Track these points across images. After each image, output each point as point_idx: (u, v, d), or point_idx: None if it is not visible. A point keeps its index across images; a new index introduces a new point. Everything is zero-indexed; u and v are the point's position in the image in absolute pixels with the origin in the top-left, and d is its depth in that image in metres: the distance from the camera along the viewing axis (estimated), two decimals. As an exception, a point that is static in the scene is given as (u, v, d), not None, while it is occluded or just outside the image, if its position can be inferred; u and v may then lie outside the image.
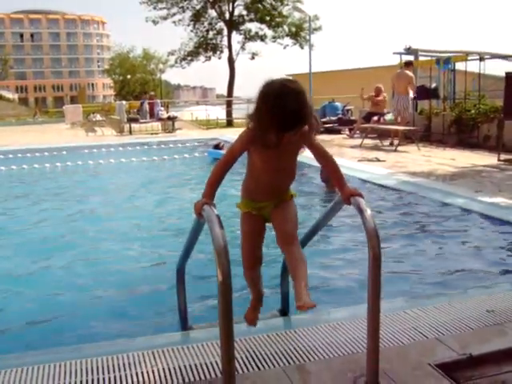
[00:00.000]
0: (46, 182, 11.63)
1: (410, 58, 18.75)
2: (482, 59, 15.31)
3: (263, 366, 3.00)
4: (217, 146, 13.68)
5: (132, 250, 6.26)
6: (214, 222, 2.45)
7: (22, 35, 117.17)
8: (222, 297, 2.34)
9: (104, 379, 2.92)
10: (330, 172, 2.97)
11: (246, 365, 3.00)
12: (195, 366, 3.02)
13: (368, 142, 15.63)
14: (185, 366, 3.02)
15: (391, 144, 15.13)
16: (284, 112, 2.60)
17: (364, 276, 2.74)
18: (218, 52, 32.66)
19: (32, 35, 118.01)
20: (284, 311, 3.86)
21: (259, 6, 30.57)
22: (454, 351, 3.10)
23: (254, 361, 3.05)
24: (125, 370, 3.01)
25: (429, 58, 18.20)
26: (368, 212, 2.62)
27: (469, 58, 15.88)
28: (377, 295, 2.60)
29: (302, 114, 2.65)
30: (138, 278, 5.28)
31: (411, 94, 15.47)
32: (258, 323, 3.71)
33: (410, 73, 15.55)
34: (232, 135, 18.41)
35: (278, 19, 30.94)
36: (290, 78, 2.92)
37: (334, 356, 3.09)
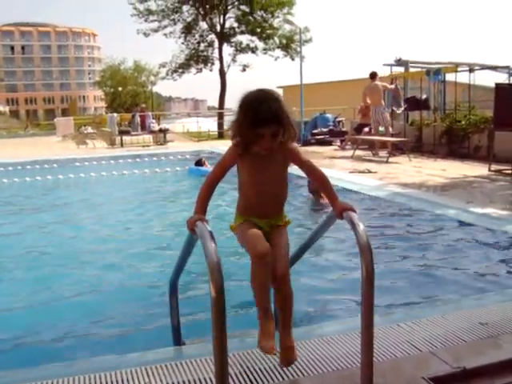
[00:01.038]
0: (37, 195, 11.57)
1: (401, 69, 18.90)
2: (471, 70, 15.41)
3: (257, 381, 2.98)
4: (198, 162, 13.54)
5: (124, 264, 6.24)
6: (206, 238, 2.45)
7: (12, 47, 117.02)
8: (215, 313, 2.32)
9: (97, 396, 2.90)
10: (322, 188, 2.98)
11: (239, 380, 2.99)
12: (188, 382, 3.00)
13: (359, 153, 15.67)
14: (178, 383, 2.99)
15: (374, 154, 15.27)
16: (257, 109, 2.74)
17: (357, 289, 2.74)
18: (210, 64, 32.83)
19: (23, 47, 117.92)
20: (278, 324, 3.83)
21: (250, 18, 30.76)
22: (447, 364, 3.10)
23: (247, 376, 3.03)
24: (118, 386, 2.99)
25: (419, 70, 18.32)
26: (361, 227, 2.61)
27: (459, 69, 15.99)
28: (370, 309, 2.60)
29: (274, 112, 2.75)
30: (130, 292, 5.25)
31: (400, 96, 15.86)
32: (252, 338, 3.70)
33: (380, 83, 16.02)
34: (223, 147, 18.42)
35: (268, 31, 31.12)
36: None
37: (328, 371, 3.08)
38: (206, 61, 32.73)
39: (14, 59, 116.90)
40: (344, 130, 20.24)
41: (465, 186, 9.85)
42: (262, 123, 2.74)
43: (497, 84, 12.68)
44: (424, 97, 16.50)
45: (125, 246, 7.08)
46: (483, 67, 16.77)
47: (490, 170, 11.56)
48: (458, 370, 3.03)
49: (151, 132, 23.63)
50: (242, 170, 2.94)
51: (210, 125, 31.83)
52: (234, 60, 32.30)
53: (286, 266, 2.92)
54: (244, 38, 31.89)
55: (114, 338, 4.18)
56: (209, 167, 12.78)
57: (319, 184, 2.99)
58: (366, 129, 16.91)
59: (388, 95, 18.20)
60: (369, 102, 16.20)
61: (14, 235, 7.85)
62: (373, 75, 16.07)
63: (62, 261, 6.40)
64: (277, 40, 31.51)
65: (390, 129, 16.40)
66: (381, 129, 16.54)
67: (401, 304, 4.68)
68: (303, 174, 3.08)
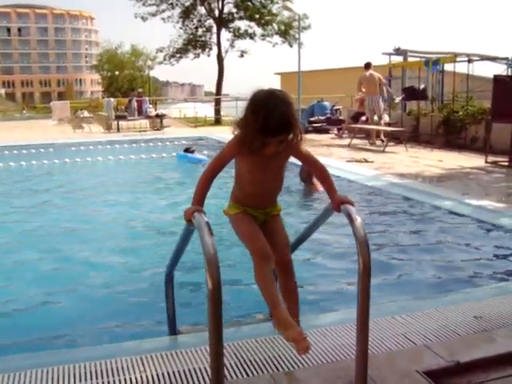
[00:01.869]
0: (33, 180, 11.54)
1: (399, 58, 18.85)
2: (470, 61, 15.39)
3: (252, 372, 3.00)
4: (187, 150, 13.65)
5: (119, 252, 6.22)
6: (204, 230, 2.44)
7: (9, 29, 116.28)
8: (211, 304, 2.32)
9: (92, 385, 2.91)
10: (321, 180, 2.97)
11: (234, 371, 3.00)
12: (184, 371, 3.01)
13: (356, 141, 15.67)
14: (173, 372, 3.00)
15: (371, 143, 15.31)
16: (268, 116, 2.65)
17: (353, 280, 2.74)
18: (207, 49, 32.57)
19: (19, 29, 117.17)
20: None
21: (249, 3, 30.53)
22: (441, 358, 3.11)
23: (242, 367, 3.04)
24: (113, 375, 2.99)
25: (418, 59, 18.28)
26: (358, 220, 2.61)
27: (457, 59, 15.96)
28: (366, 302, 2.60)
29: (286, 120, 2.68)
30: (126, 281, 5.25)
31: (384, 93, 16.23)
32: (247, 327, 3.72)
33: (375, 73, 16.02)
34: (220, 133, 18.40)
35: (267, 17, 30.89)
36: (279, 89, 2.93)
37: (323, 362, 3.09)
38: (204, 46, 32.50)
39: (11, 41, 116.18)
40: (341, 118, 20.23)
41: (461, 178, 9.86)
42: (272, 133, 2.68)
43: (495, 75, 12.66)
44: (422, 87, 16.47)
45: (120, 233, 7.08)
46: (482, 58, 16.77)
47: (486, 161, 11.57)
48: (451, 364, 3.04)
49: (148, 117, 23.55)
50: (242, 166, 2.91)
51: (207, 110, 31.70)
52: (232, 45, 32.09)
53: (289, 254, 3.06)
54: (242, 24, 31.69)
55: (109, 327, 4.19)
56: (197, 155, 13.06)
57: (319, 176, 2.98)
58: (364, 117, 16.90)
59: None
60: (363, 90, 16.28)
61: (8, 220, 7.82)
62: (367, 65, 16.09)
63: (55, 247, 6.36)
64: (275, 26, 31.27)
65: (387, 117, 16.48)
66: (376, 118, 16.57)
67: (394, 295, 4.69)
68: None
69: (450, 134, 14.88)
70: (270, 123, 2.65)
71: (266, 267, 2.85)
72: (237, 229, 3.01)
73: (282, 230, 3.11)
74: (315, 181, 8.39)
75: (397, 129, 15.49)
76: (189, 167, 12.37)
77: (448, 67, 16.42)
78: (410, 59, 18.71)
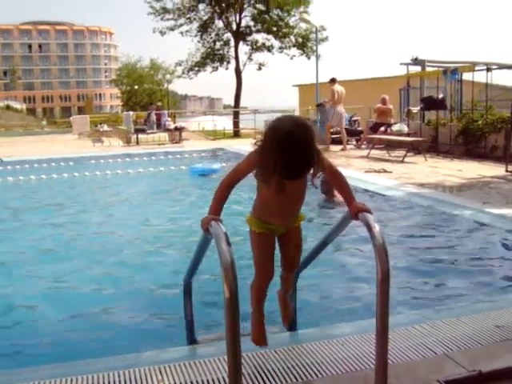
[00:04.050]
0: (53, 193, 11.63)
1: (417, 68, 18.80)
2: (489, 69, 15.28)
3: (270, 382, 2.98)
4: None
5: (138, 263, 6.25)
6: (221, 239, 2.43)
7: (30, 46, 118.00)
8: (229, 313, 2.32)
9: (111, 395, 2.91)
10: (339, 188, 2.95)
11: (253, 381, 2.98)
12: (202, 382, 3.00)
13: (375, 152, 15.61)
14: (191, 382, 3.00)
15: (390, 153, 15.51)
16: (288, 164, 2.56)
17: (372, 290, 2.72)
18: (225, 63, 32.72)
19: (40, 46, 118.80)
20: (291, 326, 3.81)
21: (266, 16, 30.65)
22: (463, 367, 3.07)
23: (261, 377, 3.02)
24: (132, 385, 3.00)
25: (436, 69, 18.20)
26: (376, 228, 2.59)
27: (476, 68, 15.86)
28: (385, 311, 2.57)
29: (306, 164, 2.62)
30: (145, 291, 5.26)
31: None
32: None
33: (340, 88, 17.34)
34: (239, 146, 18.44)
35: (284, 30, 31.00)
36: (300, 116, 2.86)
37: (342, 372, 3.06)
38: (222, 59, 32.66)
39: (32, 57, 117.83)
40: (360, 129, 20.17)
41: (481, 187, 9.77)
42: (291, 178, 2.65)
43: (514, 84, 12.58)
44: (440, 96, 16.39)
45: (140, 244, 7.10)
46: (501, 66, 16.61)
47: (506, 170, 11.45)
48: (473, 374, 2.99)
49: (167, 130, 23.66)
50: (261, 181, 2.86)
51: (226, 123, 31.78)
52: (249, 58, 32.19)
53: (298, 266, 3.30)
54: (260, 37, 31.79)
55: (128, 337, 4.20)
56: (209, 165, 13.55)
57: (337, 185, 2.95)
58: (382, 128, 16.87)
59: (404, 95, 18.30)
60: (325, 100, 18.24)
61: (27, 232, 7.89)
62: (333, 80, 17.23)
63: (74, 259, 6.41)
64: (293, 39, 31.36)
65: (405, 127, 16.56)
66: (396, 128, 16.58)
67: (415, 305, 4.65)
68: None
69: (469, 143, 14.77)
70: (289, 170, 2.59)
71: (264, 286, 3.09)
72: (253, 249, 3.06)
73: (297, 243, 3.12)
74: (336, 193, 8.37)
75: (416, 139, 15.41)
76: (206, 179, 12.38)
77: (466, 76, 16.33)
78: (428, 69, 18.63)
